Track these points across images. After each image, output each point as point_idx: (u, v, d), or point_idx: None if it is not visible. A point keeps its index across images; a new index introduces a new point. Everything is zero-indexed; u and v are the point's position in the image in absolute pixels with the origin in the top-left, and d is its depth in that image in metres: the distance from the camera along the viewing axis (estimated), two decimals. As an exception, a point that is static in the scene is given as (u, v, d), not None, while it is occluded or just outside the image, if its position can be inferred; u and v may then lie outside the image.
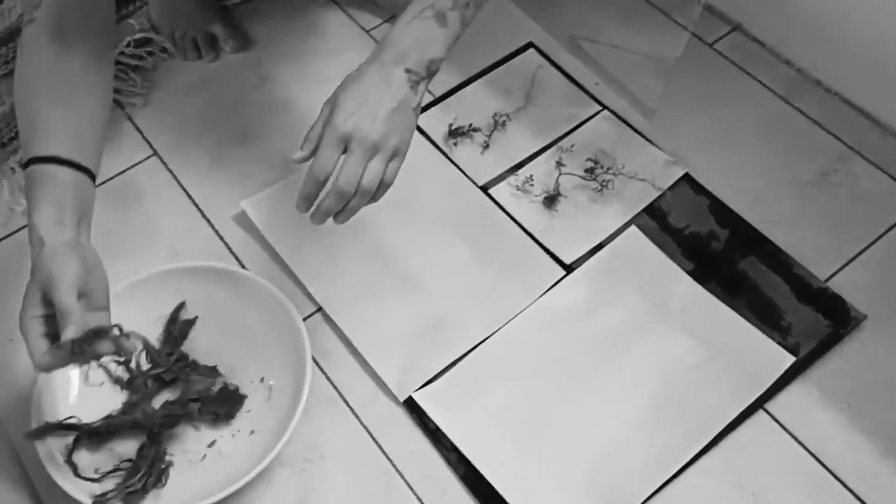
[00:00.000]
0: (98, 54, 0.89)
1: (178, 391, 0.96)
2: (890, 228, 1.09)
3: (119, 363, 0.95)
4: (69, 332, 0.76)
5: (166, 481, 0.89)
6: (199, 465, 0.92)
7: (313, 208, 0.84)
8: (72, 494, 0.86)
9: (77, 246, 0.81)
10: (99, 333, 0.78)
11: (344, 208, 0.83)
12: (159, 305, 1.01)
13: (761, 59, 1.26)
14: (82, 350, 0.77)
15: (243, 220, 1.12)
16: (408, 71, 0.83)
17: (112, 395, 0.95)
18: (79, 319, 0.77)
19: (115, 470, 0.89)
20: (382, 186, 0.83)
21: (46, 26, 0.86)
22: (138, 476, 0.88)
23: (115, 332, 0.80)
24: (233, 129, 1.21)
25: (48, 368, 0.79)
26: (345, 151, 0.80)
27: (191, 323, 1.01)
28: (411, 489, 0.93)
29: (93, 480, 0.88)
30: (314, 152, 0.81)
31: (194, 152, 1.19)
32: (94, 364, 0.88)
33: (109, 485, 0.88)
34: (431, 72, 0.85)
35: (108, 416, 0.93)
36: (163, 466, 0.90)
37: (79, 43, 0.87)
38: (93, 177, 0.87)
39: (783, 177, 1.14)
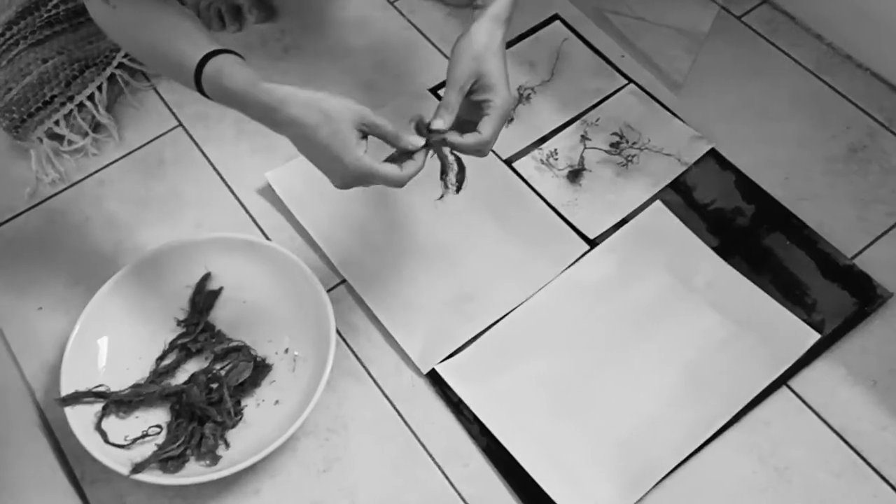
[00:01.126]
0: None
1: (203, 361, 0.97)
2: (919, 206, 1.08)
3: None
4: (416, 139, 0.84)
5: (205, 451, 0.90)
6: (225, 433, 0.92)
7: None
8: (105, 463, 0.87)
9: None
10: (426, 124, 0.86)
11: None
12: (184, 275, 1.02)
13: (791, 33, 1.25)
14: (438, 138, 0.86)
15: (267, 191, 1.12)
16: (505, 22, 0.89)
17: (139, 365, 0.97)
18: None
19: (143, 436, 0.91)
20: None
21: None
22: (177, 444, 0.89)
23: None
24: (257, 101, 1.21)
25: (413, 174, 0.84)
26: None
27: (216, 293, 1.02)
28: (434, 460, 0.94)
29: (121, 447, 0.90)
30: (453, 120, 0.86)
31: (219, 123, 1.20)
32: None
33: (138, 451, 0.90)
34: None
35: (136, 385, 0.94)
36: (200, 438, 0.91)
37: None
38: None
39: (812, 152, 1.13)
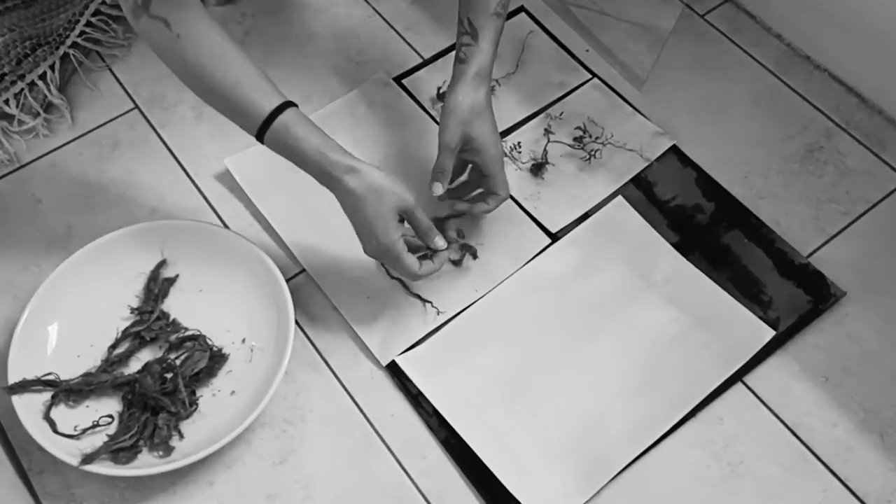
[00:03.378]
0: None
1: (157, 350, 0.95)
2: (872, 206, 1.10)
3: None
4: (441, 241, 0.93)
5: (158, 441, 0.89)
6: (179, 424, 0.91)
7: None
8: (53, 453, 0.85)
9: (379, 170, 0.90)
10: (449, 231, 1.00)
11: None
12: (140, 262, 0.99)
13: (752, 32, 1.26)
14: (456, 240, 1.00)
15: (226, 177, 1.10)
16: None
17: (90, 352, 0.94)
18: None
19: (94, 426, 0.89)
20: None
21: None
22: (129, 434, 0.87)
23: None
24: (216, 85, 1.19)
25: (429, 274, 0.93)
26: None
27: (172, 281, 0.99)
28: (391, 452, 0.93)
29: (71, 437, 0.88)
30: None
31: (177, 106, 1.17)
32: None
33: (88, 442, 0.88)
34: None
35: (87, 374, 0.92)
36: (153, 429, 0.89)
37: None
38: None
39: (770, 151, 1.15)
